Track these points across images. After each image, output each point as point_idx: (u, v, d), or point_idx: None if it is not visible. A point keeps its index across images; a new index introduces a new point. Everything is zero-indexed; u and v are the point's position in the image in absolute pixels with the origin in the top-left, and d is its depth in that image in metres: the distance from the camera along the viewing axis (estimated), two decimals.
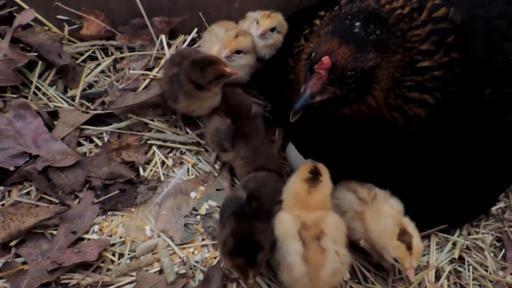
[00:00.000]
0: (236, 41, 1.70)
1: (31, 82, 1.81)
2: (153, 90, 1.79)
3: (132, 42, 2.01)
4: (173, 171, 1.69)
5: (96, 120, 1.76)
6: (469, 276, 1.55)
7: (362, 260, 1.52)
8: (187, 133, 1.79)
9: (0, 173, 1.57)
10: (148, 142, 1.74)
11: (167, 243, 1.49)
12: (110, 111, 1.76)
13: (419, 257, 1.28)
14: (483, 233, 1.67)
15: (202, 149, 1.76)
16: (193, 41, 2.06)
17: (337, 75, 1.13)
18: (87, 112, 1.76)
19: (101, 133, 1.76)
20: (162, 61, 1.95)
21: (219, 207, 1.56)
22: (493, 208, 1.73)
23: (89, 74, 1.91)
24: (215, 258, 1.48)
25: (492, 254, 1.62)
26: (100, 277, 1.39)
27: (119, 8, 2.00)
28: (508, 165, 1.41)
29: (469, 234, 1.66)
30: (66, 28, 1.98)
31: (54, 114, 1.73)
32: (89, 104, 1.82)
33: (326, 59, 1.12)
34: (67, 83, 1.87)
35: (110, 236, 1.51)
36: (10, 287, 1.33)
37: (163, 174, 1.67)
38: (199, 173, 1.70)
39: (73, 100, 1.82)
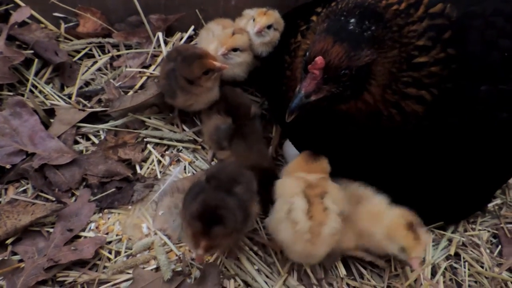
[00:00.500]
0: (233, 38, 1.69)
1: (27, 80, 1.80)
2: (150, 90, 1.78)
3: (128, 40, 2.00)
4: (170, 169, 1.69)
5: (92, 118, 1.76)
6: (464, 272, 1.55)
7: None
8: (184, 130, 1.79)
9: None
10: (145, 140, 1.74)
11: (163, 240, 1.49)
12: (107, 109, 1.76)
13: (424, 247, 1.31)
14: (479, 230, 1.67)
15: (199, 147, 1.76)
16: (190, 38, 2.06)
17: (331, 74, 1.13)
18: (83, 110, 1.75)
19: (98, 131, 1.75)
20: (159, 59, 1.95)
21: None
22: (490, 205, 1.73)
23: (85, 72, 1.91)
24: (211, 255, 1.48)
25: (488, 251, 1.62)
26: (97, 274, 1.39)
27: (115, 6, 2.00)
28: (504, 161, 1.41)
29: (465, 230, 1.66)
30: (63, 25, 1.98)
31: (50, 112, 1.73)
32: (85, 102, 1.82)
33: (319, 59, 1.12)
34: (63, 81, 1.87)
35: (107, 234, 1.51)
36: (6, 285, 1.33)
37: (160, 172, 1.67)
38: (196, 170, 1.70)
39: (70, 98, 1.82)
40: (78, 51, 1.96)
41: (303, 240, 1.28)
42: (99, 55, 1.97)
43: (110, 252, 1.46)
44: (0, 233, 1.40)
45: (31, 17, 1.90)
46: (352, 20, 1.15)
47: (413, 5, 1.23)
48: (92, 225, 1.52)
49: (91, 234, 1.49)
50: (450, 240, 1.62)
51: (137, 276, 1.39)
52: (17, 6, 1.88)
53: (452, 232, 1.64)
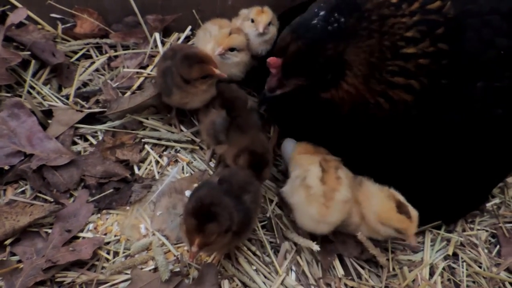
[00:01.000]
0: (230, 38, 1.69)
1: (25, 81, 1.80)
2: (148, 92, 1.77)
3: (126, 40, 2.00)
4: (168, 170, 1.69)
5: (90, 119, 1.76)
6: (463, 272, 1.55)
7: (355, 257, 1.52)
8: (182, 131, 1.79)
9: None
10: (143, 140, 1.74)
11: (161, 241, 1.50)
12: (105, 109, 1.76)
13: (417, 222, 1.35)
14: (478, 230, 1.67)
15: (197, 147, 1.76)
16: (187, 38, 2.06)
17: (290, 70, 1.18)
18: (81, 111, 1.75)
19: (96, 132, 1.76)
20: (156, 59, 1.95)
21: None
22: (488, 204, 1.73)
23: (83, 72, 1.91)
24: (209, 256, 1.48)
25: (486, 251, 1.62)
26: (95, 275, 1.40)
27: (112, 6, 2.00)
28: (500, 159, 1.41)
29: (463, 230, 1.66)
30: (60, 26, 1.98)
31: (48, 113, 1.73)
32: (83, 103, 1.82)
33: (271, 60, 1.19)
34: (61, 82, 1.87)
35: (105, 234, 1.51)
36: (5, 286, 1.34)
37: (158, 173, 1.67)
38: (193, 171, 1.70)
39: (68, 98, 1.82)
40: (75, 52, 1.96)
41: (318, 202, 1.33)
42: (97, 56, 1.97)
43: (108, 253, 1.47)
44: None
45: (28, 18, 1.89)
46: (321, 13, 1.16)
47: (407, 0, 1.25)
48: (90, 226, 1.52)
49: (89, 234, 1.50)
50: (448, 240, 1.62)
51: (135, 277, 1.39)
52: (14, 7, 1.88)
53: (450, 232, 1.64)
